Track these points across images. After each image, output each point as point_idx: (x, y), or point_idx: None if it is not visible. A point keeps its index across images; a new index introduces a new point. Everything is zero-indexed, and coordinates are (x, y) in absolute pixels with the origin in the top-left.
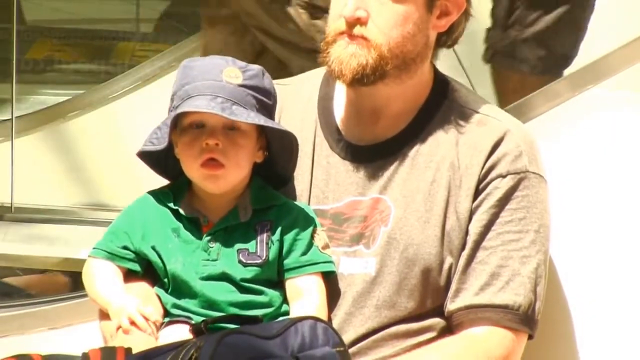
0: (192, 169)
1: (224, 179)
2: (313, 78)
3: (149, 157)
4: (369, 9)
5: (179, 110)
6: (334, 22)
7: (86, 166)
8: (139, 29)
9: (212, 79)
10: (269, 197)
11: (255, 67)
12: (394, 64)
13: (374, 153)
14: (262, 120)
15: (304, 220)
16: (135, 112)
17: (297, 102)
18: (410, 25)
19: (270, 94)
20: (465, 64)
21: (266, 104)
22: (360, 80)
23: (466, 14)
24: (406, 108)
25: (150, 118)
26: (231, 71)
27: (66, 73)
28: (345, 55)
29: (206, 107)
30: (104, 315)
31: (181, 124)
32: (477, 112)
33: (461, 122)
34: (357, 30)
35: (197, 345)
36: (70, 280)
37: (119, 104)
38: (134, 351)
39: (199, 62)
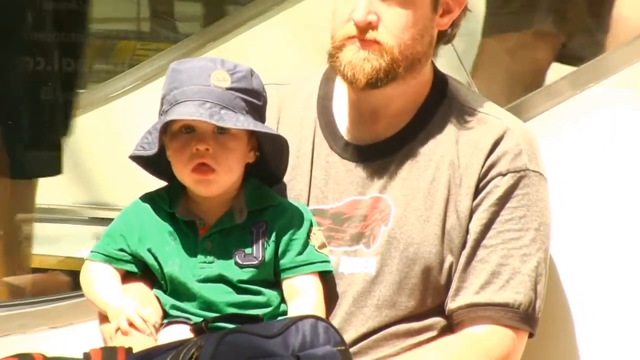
0: (184, 174)
1: (216, 183)
2: (312, 77)
3: (143, 160)
4: (379, 13)
5: (168, 118)
6: (342, 27)
7: (86, 165)
8: (139, 28)
9: (200, 83)
10: (264, 198)
11: (244, 68)
12: (404, 65)
13: (373, 152)
14: (251, 125)
15: (300, 220)
16: (135, 111)
17: (296, 102)
18: (419, 26)
19: (259, 95)
20: (465, 63)
21: (256, 105)
22: (374, 84)
23: (464, 10)
24: (406, 107)
25: (150, 117)
26: (219, 74)
27: None
28: (358, 59)
29: (194, 113)
30: (104, 318)
31: (171, 129)
32: (477, 111)
33: (461, 121)
34: (370, 34)
35: (198, 345)
36: (71, 280)
37: (119, 103)
38: (134, 351)
39: (187, 65)
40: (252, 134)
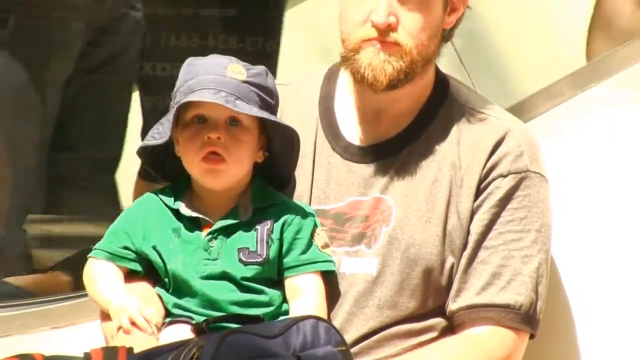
0: (193, 163)
1: (225, 173)
2: (314, 78)
3: (148, 157)
4: (397, 15)
5: (183, 101)
6: (356, 29)
7: None
8: None
9: (217, 74)
10: (269, 196)
11: (259, 67)
12: (420, 65)
13: (375, 153)
14: (265, 114)
15: (304, 219)
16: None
17: (298, 102)
18: (433, 26)
19: (273, 94)
20: (465, 63)
21: (269, 102)
22: (395, 85)
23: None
24: (409, 108)
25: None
26: (235, 67)
27: None
28: (378, 62)
29: (209, 98)
30: (105, 316)
31: (183, 119)
32: (478, 111)
33: (462, 121)
34: (391, 36)
35: (199, 345)
36: (72, 280)
37: None
38: (135, 351)
39: (203, 60)
40: (262, 131)
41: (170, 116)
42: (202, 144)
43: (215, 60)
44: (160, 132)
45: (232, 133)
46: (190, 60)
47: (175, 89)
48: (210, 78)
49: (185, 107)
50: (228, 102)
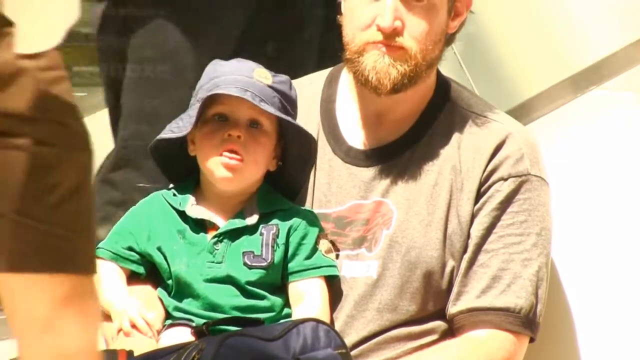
0: (210, 159)
1: (241, 173)
2: (314, 81)
3: (160, 154)
4: (403, 19)
5: (210, 93)
6: (361, 32)
7: None
8: None
9: (243, 74)
10: (275, 202)
11: (284, 76)
12: (424, 69)
13: (376, 156)
14: (288, 118)
15: (309, 225)
16: None
17: (299, 105)
18: (438, 30)
19: (294, 105)
20: (466, 66)
21: (290, 112)
22: (399, 89)
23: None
24: (410, 111)
25: None
26: (262, 72)
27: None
28: (383, 65)
29: (237, 93)
30: (106, 317)
31: (203, 116)
32: (479, 115)
33: (463, 125)
34: (397, 40)
35: (199, 348)
36: None
37: None
38: (135, 354)
39: (229, 62)
40: (279, 141)
41: (192, 111)
42: (221, 141)
43: (241, 64)
44: (180, 127)
45: (252, 134)
46: (215, 62)
47: (197, 87)
48: (238, 78)
49: (207, 105)
50: (254, 100)
